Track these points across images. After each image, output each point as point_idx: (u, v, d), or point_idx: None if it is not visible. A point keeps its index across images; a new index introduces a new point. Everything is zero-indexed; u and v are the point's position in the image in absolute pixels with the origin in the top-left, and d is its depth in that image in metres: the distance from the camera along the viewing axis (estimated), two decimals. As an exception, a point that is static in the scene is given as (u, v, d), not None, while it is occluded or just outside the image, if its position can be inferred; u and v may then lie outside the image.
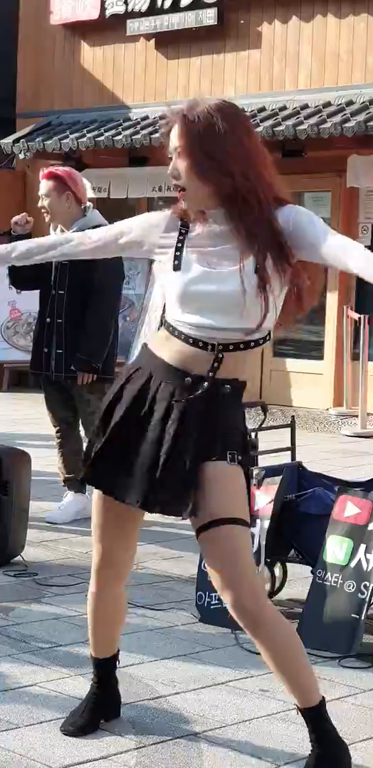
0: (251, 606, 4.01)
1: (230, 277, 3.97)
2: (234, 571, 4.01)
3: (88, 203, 8.18)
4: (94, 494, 4.27)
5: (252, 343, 4.03)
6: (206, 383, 4.02)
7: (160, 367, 4.10)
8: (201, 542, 4.11)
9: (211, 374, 4.02)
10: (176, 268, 4.06)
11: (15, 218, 7.99)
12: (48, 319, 8.05)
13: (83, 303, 7.92)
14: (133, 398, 4.13)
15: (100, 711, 4.52)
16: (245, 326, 3.98)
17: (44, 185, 8.06)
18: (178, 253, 4.08)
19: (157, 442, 4.06)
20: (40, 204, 8.08)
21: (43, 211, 8.08)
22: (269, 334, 4.07)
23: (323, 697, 4.14)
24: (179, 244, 4.09)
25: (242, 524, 4.03)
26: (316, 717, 4.11)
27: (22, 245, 4.41)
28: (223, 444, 4.05)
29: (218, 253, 4.02)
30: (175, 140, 3.99)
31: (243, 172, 3.95)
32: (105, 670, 4.53)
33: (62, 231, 7.90)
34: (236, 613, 4.04)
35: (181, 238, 4.10)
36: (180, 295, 4.04)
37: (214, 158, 3.94)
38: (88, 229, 7.72)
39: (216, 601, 5.84)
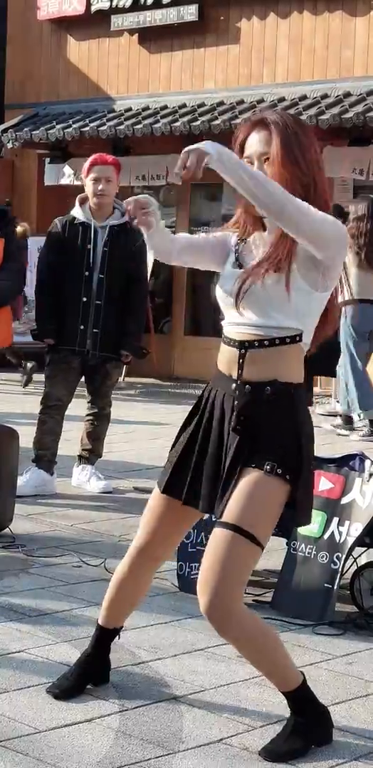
0: (217, 617, 4.05)
1: (241, 272, 4.08)
2: (213, 575, 4.02)
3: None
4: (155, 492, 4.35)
5: (277, 341, 4.05)
6: (247, 386, 4.07)
7: (216, 377, 4.21)
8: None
9: (240, 372, 4.09)
10: (222, 274, 4.22)
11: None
12: (84, 299, 8.27)
13: (120, 288, 8.27)
14: (199, 409, 4.25)
15: (88, 676, 4.59)
16: (260, 323, 4.04)
17: (108, 170, 8.25)
18: (230, 260, 4.21)
19: (217, 451, 4.14)
20: (101, 187, 8.20)
21: (101, 194, 8.23)
22: (301, 335, 4.07)
23: (302, 677, 4.24)
24: (233, 256, 4.20)
25: (245, 536, 4.00)
26: (297, 698, 4.22)
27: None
28: (263, 452, 4.03)
29: (254, 255, 4.12)
30: (262, 146, 4.06)
31: (313, 185, 4.10)
32: (105, 639, 4.60)
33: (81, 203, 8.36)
34: (204, 614, 4.09)
35: (236, 248, 4.21)
36: (218, 296, 4.20)
37: (298, 170, 4.05)
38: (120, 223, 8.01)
39: (196, 572, 6.00)
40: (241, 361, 4.08)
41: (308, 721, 4.23)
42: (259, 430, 4.06)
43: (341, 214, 12.49)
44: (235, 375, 4.10)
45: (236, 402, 4.08)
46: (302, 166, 4.05)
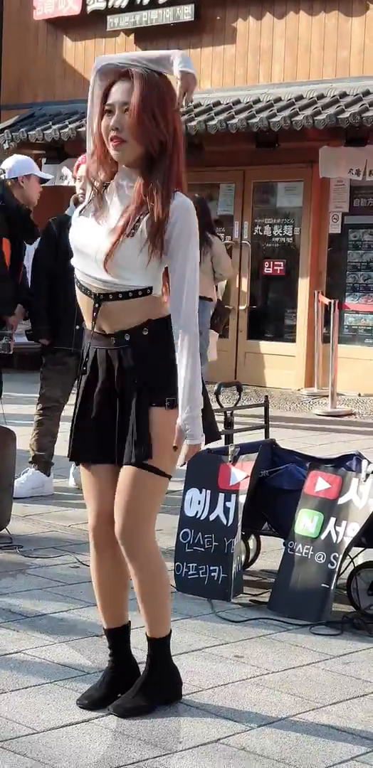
0: (127, 541, 4.35)
1: (103, 232, 4.25)
2: (126, 504, 4.32)
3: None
4: (81, 466, 4.54)
5: (130, 294, 4.26)
6: (126, 335, 4.27)
7: (90, 336, 4.42)
8: None
9: (93, 323, 4.32)
10: (80, 214, 4.40)
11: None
12: None
13: None
14: (85, 371, 4.45)
15: (116, 684, 4.54)
16: (104, 278, 4.24)
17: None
18: (88, 204, 4.38)
19: (111, 404, 4.34)
20: (80, 185, 8.14)
21: (81, 192, 8.22)
22: (151, 288, 4.27)
23: (170, 631, 4.54)
24: (92, 197, 4.38)
25: (153, 471, 4.30)
26: (161, 647, 4.51)
27: None
28: (159, 389, 4.30)
29: (112, 208, 4.31)
30: (123, 96, 4.22)
31: (172, 145, 4.27)
32: (117, 640, 4.60)
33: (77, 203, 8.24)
34: (118, 539, 4.37)
35: (93, 191, 4.38)
36: (73, 240, 4.37)
37: (155, 124, 4.21)
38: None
39: (193, 572, 6.03)
40: (95, 314, 4.32)
41: (157, 679, 4.50)
42: (148, 370, 4.30)
43: (201, 203, 12.60)
44: (108, 330, 4.32)
45: (119, 354, 4.30)
46: (160, 122, 4.22)
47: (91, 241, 4.29)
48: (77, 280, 4.40)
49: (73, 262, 4.39)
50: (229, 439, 6.56)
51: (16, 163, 8.47)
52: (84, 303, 4.39)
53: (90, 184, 4.40)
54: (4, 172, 8.42)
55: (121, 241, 4.19)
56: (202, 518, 6.12)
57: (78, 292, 4.41)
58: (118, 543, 4.39)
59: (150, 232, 4.19)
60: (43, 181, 8.64)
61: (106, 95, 4.28)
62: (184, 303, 4.27)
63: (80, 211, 4.40)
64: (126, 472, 4.32)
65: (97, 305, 4.30)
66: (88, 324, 4.41)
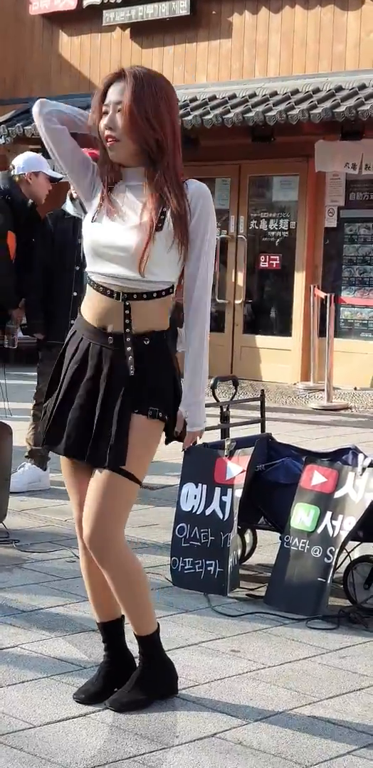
0: (97, 546, 4.33)
1: (126, 231, 4.26)
2: (97, 508, 4.30)
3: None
4: (60, 459, 4.50)
5: (155, 294, 4.29)
6: (127, 339, 4.27)
7: (87, 329, 4.38)
8: None
9: (128, 330, 4.27)
10: (93, 220, 4.37)
11: None
12: (75, 294, 8.29)
13: None
14: (71, 361, 4.40)
15: (112, 678, 4.55)
16: (137, 276, 4.23)
17: None
18: (98, 208, 4.37)
19: (92, 400, 4.31)
20: None
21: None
22: (173, 286, 4.33)
23: (157, 628, 4.53)
24: (101, 201, 4.37)
25: (127, 476, 4.28)
26: (149, 644, 4.51)
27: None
28: (146, 399, 4.29)
29: (126, 207, 4.32)
30: (117, 96, 4.25)
31: (171, 146, 4.31)
32: (111, 633, 4.60)
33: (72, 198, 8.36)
34: (87, 544, 4.36)
35: (102, 195, 4.38)
36: (91, 245, 4.35)
37: (149, 124, 4.24)
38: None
39: (190, 567, 6.02)
40: (127, 311, 4.28)
41: (153, 674, 4.50)
42: (140, 379, 4.30)
43: None
44: (110, 328, 4.30)
45: (114, 355, 4.29)
46: (153, 122, 4.25)
47: (116, 241, 4.27)
48: (93, 282, 4.36)
49: (89, 267, 4.37)
50: (225, 434, 6.55)
51: (25, 161, 8.60)
52: (103, 305, 4.33)
53: (102, 185, 4.39)
54: (14, 168, 8.54)
55: (152, 236, 4.22)
56: (198, 513, 6.12)
57: (95, 294, 4.36)
58: (88, 547, 4.37)
59: (175, 226, 4.24)
60: (54, 180, 8.70)
61: (103, 97, 4.31)
62: (198, 285, 4.32)
63: (92, 218, 4.36)
64: (98, 476, 4.30)
65: (128, 303, 4.27)
66: (100, 325, 4.33)
